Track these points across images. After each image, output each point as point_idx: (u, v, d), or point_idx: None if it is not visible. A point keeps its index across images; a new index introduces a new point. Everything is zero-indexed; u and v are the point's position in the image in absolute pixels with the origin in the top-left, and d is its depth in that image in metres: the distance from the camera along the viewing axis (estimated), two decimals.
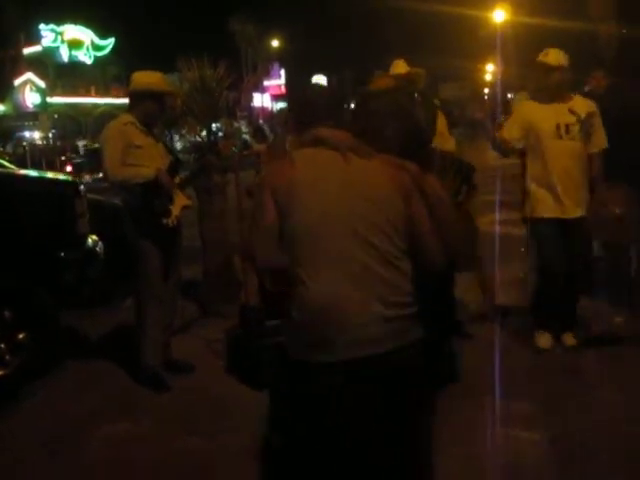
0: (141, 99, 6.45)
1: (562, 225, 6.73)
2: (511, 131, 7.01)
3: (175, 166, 6.61)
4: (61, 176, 8.27)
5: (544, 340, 6.90)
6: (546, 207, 6.76)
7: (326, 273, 3.00)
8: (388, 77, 5.32)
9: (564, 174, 6.65)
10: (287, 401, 3.14)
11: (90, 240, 7.30)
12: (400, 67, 7.81)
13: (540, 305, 7.07)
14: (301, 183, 3.10)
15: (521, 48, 38.26)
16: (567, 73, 6.77)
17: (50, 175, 9.10)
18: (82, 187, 7.32)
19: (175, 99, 7.50)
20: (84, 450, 5.40)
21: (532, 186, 6.84)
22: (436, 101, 8.85)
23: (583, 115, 6.73)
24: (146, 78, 6.54)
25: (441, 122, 7.58)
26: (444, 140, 7.28)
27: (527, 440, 5.15)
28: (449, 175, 6.70)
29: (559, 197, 6.67)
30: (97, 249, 7.36)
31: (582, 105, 6.83)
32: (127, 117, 6.44)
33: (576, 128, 6.71)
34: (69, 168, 40.58)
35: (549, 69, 6.72)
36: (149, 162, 6.32)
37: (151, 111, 6.48)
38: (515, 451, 4.94)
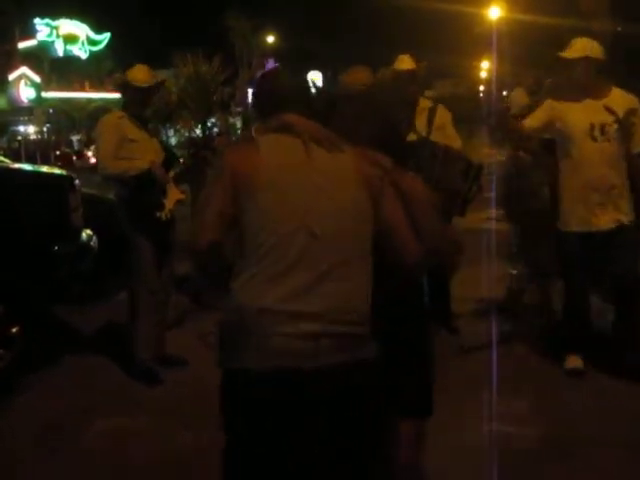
0: (124, 91, 6.66)
1: (595, 239, 6.08)
2: (533, 122, 6.34)
3: (169, 161, 6.65)
4: (55, 170, 8.27)
5: (574, 360, 6.22)
6: (577, 219, 6.12)
7: (268, 275, 2.80)
8: (363, 70, 4.99)
9: (599, 180, 6.00)
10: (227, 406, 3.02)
11: (84, 234, 7.30)
12: (405, 62, 7.52)
13: (567, 326, 6.44)
14: (265, 171, 2.86)
15: (516, 45, 38.26)
16: (594, 64, 6.08)
17: (44, 169, 9.11)
18: (76, 181, 7.33)
19: (169, 94, 7.53)
20: (80, 445, 5.41)
21: (562, 194, 6.21)
22: (429, 93, 8.73)
23: (622, 113, 6.04)
24: (129, 72, 6.66)
25: (443, 117, 7.46)
26: (445, 135, 7.17)
27: (521, 436, 5.17)
28: (453, 170, 6.70)
29: (593, 207, 6.03)
30: (91, 243, 7.37)
31: (621, 101, 6.12)
32: (120, 112, 6.54)
33: (613, 128, 6.01)
34: (94, 160, 40.79)
35: (570, 64, 6.12)
36: (142, 156, 6.37)
37: (134, 101, 6.61)
38: (508, 447, 4.95)
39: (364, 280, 2.87)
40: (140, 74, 6.57)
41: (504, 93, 47.67)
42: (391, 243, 2.91)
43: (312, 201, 2.83)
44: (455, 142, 7.17)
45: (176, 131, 41.21)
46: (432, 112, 7.30)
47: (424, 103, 7.44)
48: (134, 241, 6.36)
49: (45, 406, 6.08)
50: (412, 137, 6.81)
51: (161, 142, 7.04)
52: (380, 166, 2.96)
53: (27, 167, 9.62)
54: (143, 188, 6.28)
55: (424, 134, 7.02)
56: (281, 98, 3.11)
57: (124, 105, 6.63)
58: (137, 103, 6.59)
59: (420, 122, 7.17)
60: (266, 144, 2.98)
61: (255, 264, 2.81)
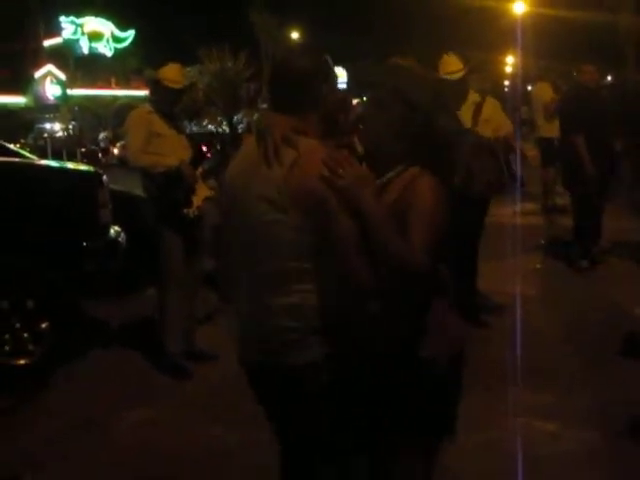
0: (155, 89, 6.60)
1: None
2: None
3: (198, 158, 6.69)
4: (84, 167, 8.34)
5: None
6: None
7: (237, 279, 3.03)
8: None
9: None
10: None
11: (112, 230, 7.36)
12: (452, 64, 7.09)
13: None
14: (227, 179, 3.01)
15: (541, 40, 38.01)
16: None
17: (73, 166, 9.18)
18: (104, 178, 7.38)
19: (197, 91, 7.49)
20: (108, 437, 5.47)
21: None
22: None
23: None
24: (162, 70, 6.64)
25: (491, 109, 7.21)
26: (493, 128, 6.94)
27: (545, 430, 5.17)
28: (487, 162, 6.68)
29: None
30: (119, 239, 7.41)
31: None
32: (149, 106, 6.57)
33: None
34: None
35: None
36: (170, 152, 6.40)
37: (165, 100, 6.58)
38: (533, 440, 4.96)
39: (292, 299, 2.81)
40: (172, 74, 6.58)
41: (529, 88, 47.45)
42: (336, 258, 2.74)
43: (244, 218, 2.87)
44: (503, 129, 7.03)
45: (201, 127, 41.31)
46: (479, 106, 7.14)
47: (473, 97, 7.26)
48: (162, 237, 6.40)
49: (74, 400, 6.15)
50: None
51: (190, 138, 7.07)
52: (330, 180, 2.70)
53: (56, 164, 9.70)
54: (171, 185, 6.33)
55: (469, 126, 6.94)
56: (277, 88, 2.98)
57: (153, 102, 6.67)
58: (167, 102, 6.60)
59: (466, 115, 7.04)
60: (244, 147, 3.07)
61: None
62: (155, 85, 6.62)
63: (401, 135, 3.01)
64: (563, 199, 11.57)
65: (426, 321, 3.03)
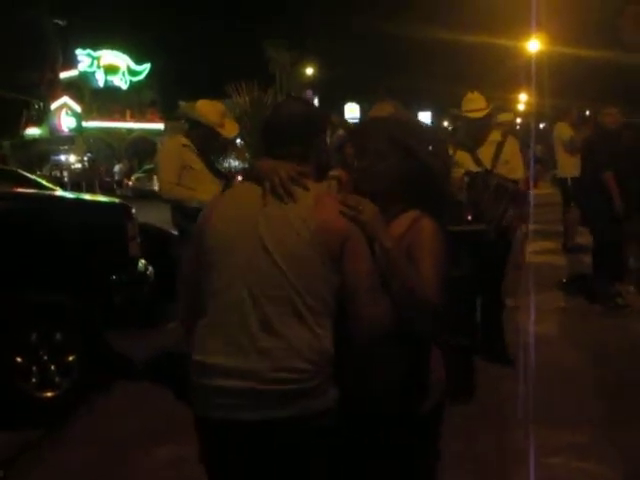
0: (196, 126, 6.60)
1: None
2: None
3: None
4: (112, 199, 8.40)
5: None
6: None
7: (209, 328, 2.87)
8: (390, 104, 4.74)
9: None
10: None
11: (140, 263, 7.39)
12: (475, 102, 6.96)
13: None
14: (214, 225, 2.90)
15: (556, 78, 38.17)
16: None
17: (102, 198, 9.23)
18: (133, 210, 7.42)
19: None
20: (132, 471, 5.46)
21: None
22: None
23: None
24: (204, 109, 6.65)
25: (511, 150, 7.08)
26: (509, 168, 6.84)
27: (583, 470, 5.14)
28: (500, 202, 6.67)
29: None
30: (147, 273, 7.44)
31: None
32: (184, 139, 6.59)
33: None
34: (240, 177, 41.27)
35: None
36: (201, 186, 6.42)
37: (205, 139, 6.60)
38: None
39: (310, 338, 2.74)
40: (217, 117, 6.62)
41: (541, 126, 47.59)
42: (347, 304, 2.76)
43: (253, 257, 2.77)
44: (516, 173, 6.93)
45: (219, 163, 41.37)
46: (500, 146, 6.99)
47: (494, 135, 7.12)
48: None
49: (98, 433, 6.14)
50: (475, 169, 6.74)
51: (219, 172, 7.10)
52: (348, 219, 2.78)
53: (85, 196, 9.74)
54: None
55: (488, 167, 6.85)
56: (276, 137, 3.00)
57: (189, 135, 6.68)
58: (206, 141, 6.64)
59: (486, 155, 6.94)
60: (230, 194, 3.05)
61: (205, 316, 2.88)
62: (196, 124, 6.65)
63: (400, 182, 3.07)
64: (583, 238, 11.57)
65: (423, 361, 3.06)
